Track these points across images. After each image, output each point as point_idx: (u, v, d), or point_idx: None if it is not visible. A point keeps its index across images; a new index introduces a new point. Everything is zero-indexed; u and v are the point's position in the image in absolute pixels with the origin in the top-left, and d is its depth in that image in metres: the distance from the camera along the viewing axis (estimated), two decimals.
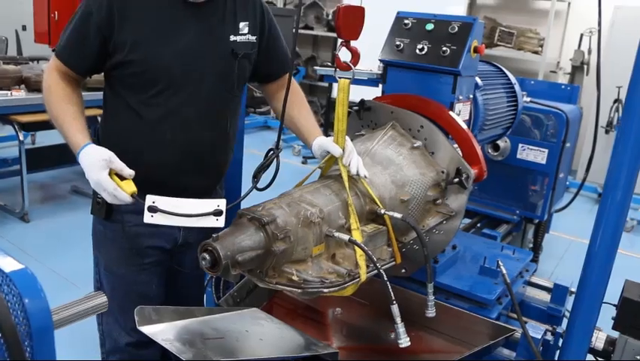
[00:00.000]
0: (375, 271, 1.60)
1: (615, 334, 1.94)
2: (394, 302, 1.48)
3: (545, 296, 2.52)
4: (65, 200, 5.20)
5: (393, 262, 1.77)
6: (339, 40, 1.64)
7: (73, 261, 3.67)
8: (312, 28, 8.56)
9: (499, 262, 2.23)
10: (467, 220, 3.54)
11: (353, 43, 1.65)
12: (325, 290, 1.49)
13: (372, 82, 2.25)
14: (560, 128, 3.09)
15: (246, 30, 1.77)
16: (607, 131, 5.95)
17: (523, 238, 3.51)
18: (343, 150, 1.67)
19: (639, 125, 1.53)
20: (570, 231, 4.93)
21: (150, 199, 1.50)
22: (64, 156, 4.39)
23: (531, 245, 3.65)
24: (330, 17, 7.66)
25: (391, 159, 1.85)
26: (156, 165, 1.74)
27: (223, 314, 1.72)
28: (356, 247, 1.57)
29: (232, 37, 1.74)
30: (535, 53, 6.68)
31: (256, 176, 1.62)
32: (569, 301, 2.43)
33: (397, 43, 2.09)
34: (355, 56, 1.57)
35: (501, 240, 3.09)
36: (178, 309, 1.58)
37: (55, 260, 3.79)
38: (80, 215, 4.65)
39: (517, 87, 2.62)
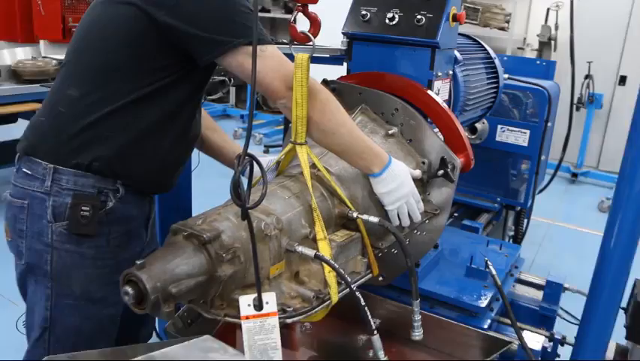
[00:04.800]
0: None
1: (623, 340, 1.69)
2: (375, 333, 1.18)
3: (536, 293, 2.28)
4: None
5: (370, 275, 1.47)
6: (295, 8, 1.31)
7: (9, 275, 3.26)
8: (268, 11, 8.16)
9: (488, 262, 1.96)
10: None
11: (312, 8, 1.32)
12: (288, 321, 1.18)
13: (335, 60, 1.93)
14: (542, 106, 2.83)
15: None
16: (577, 108, 5.79)
17: (505, 226, 3.26)
18: (301, 142, 1.35)
19: None
20: (546, 214, 4.73)
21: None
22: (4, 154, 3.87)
23: (512, 233, 3.41)
24: None
25: None
26: (180, 165, 1.57)
27: (165, 350, 1.40)
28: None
29: None
30: (502, 29, 6.46)
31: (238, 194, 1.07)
32: (563, 299, 2.20)
33: (363, 12, 1.77)
34: (315, 24, 1.25)
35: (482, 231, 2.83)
36: (104, 352, 1.25)
37: None
38: None
39: (497, 62, 2.35)
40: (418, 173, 1.57)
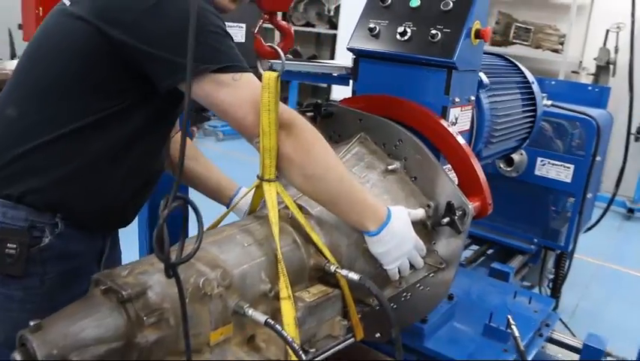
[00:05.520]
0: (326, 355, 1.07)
1: None
2: None
3: (571, 355, 1.96)
4: None
5: (352, 340, 1.22)
6: (261, 17, 1.08)
7: None
8: (313, 26, 8.01)
9: (510, 320, 1.67)
10: (474, 247, 2.97)
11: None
12: None
13: (340, 79, 1.70)
14: (589, 138, 2.50)
15: None
16: (637, 139, 5.31)
17: (543, 268, 2.91)
18: (269, 179, 1.12)
19: None
20: (595, 253, 4.31)
21: None
22: None
23: (552, 276, 3.05)
24: (332, 13, 7.08)
25: None
26: (138, 202, 1.39)
27: None
28: (287, 328, 1.03)
29: None
30: (555, 51, 6.04)
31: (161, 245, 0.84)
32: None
33: (372, 26, 1.53)
34: (287, 36, 1.02)
35: (514, 275, 2.50)
36: None
37: None
38: None
39: (535, 87, 2.05)
40: (420, 213, 1.31)
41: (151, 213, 2.01)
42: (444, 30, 1.43)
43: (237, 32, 2.72)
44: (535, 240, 2.66)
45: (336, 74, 1.71)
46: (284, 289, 1.06)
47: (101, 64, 1.10)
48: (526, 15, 6.32)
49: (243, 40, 2.83)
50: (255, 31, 0.99)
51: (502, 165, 2.64)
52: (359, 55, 1.58)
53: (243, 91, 1.07)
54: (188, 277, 0.96)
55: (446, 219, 1.26)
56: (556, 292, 2.95)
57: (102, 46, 1.08)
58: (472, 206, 1.29)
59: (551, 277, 3.08)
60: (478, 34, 1.46)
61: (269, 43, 1.01)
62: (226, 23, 2.96)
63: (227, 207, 1.57)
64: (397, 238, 1.21)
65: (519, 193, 2.66)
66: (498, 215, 2.79)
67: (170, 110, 1.24)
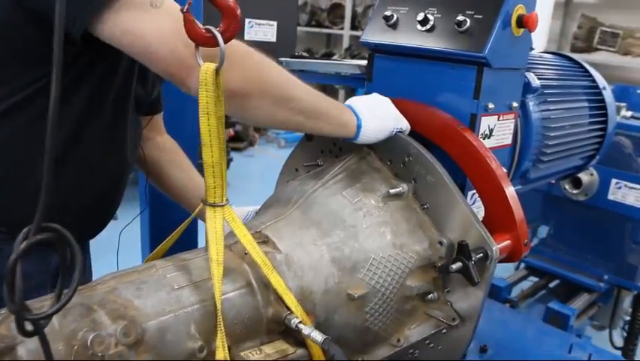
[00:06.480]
0: None
1: None
2: None
3: None
4: None
5: None
6: None
7: None
8: None
9: None
10: (533, 279, 2.57)
11: None
12: None
13: (353, 80, 1.41)
14: None
15: None
16: None
17: (615, 310, 2.47)
18: (213, 203, 0.86)
19: None
20: None
21: None
22: None
23: (628, 318, 2.60)
24: None
25: (340, 216, 1.01)
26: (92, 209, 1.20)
27: None
28: None
29: None
30: None
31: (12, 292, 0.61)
32: None
33: (389, 14, 1.24)
34: (229, 17, 0.75)
35: (576, 318, 2.11)
36: None
37: None
38: None
39: (607, 94, 1.67)
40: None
41: (152, 215, 1.78)
42: (475, 16, 1.12)
43: (268, 30, 2.48)
44: (606, 277, 2.24)
45: (349, 74, 1.42)
46: (220, 348, 0.80)
47: (12, 19, 0.91)
48: (614, 18, 5.71)
49: (274, 40, 2.60)
50: (185, 9, 0.73)
51: (567, 187, 2.25)
52: (374, 50, 1.30)
53: (165, 18, 0.81)
54: (77, 330, 0.72)
55: (457, 265, 0.94)
56: (633, 339, 2.50)
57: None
58: (496, 248, 0.97)
59: (627, 318, 2.63)
60: (521, 22, 1.14)
61: (206, 26, 0.76)
62: (254, 21, 2.65)
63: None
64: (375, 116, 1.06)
65: (588, 220, 2.26)
66: (562, 244, 2.42)
67: (109, 82, 1.01)
